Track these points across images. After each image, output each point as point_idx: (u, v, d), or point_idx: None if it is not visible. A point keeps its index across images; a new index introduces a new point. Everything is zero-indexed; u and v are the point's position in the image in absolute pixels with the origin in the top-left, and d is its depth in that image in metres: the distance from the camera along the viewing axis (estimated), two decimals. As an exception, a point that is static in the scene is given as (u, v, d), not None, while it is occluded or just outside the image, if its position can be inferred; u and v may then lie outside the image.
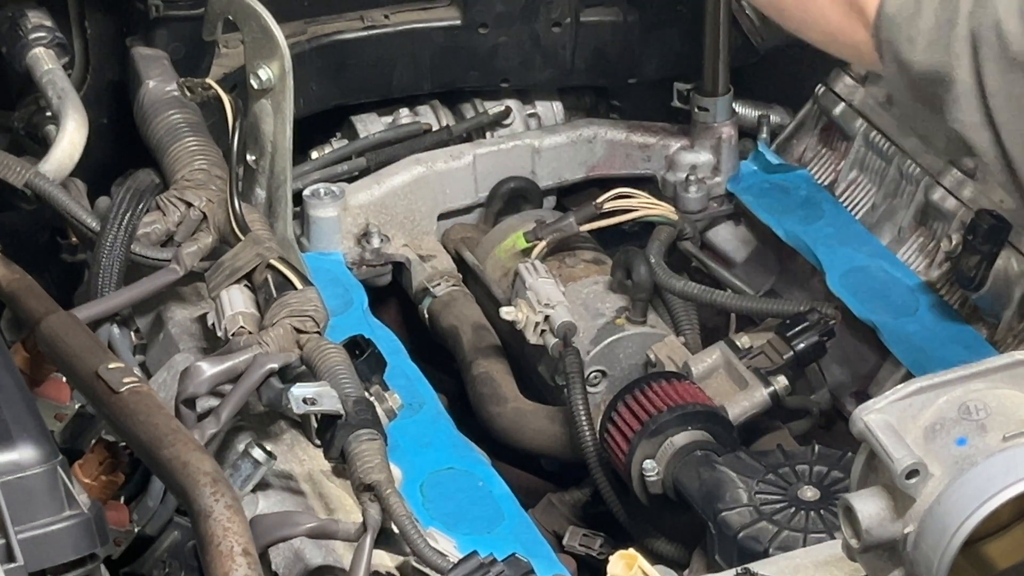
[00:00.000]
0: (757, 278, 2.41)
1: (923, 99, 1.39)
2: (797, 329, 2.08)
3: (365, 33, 2.45)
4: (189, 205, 1.95)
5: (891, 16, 1.42)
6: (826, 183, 2.44)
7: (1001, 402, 1.32)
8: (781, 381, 2.05)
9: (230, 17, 2.06)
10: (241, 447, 1.72)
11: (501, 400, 2.18)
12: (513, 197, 2.45)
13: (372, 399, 1.72)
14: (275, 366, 1.73)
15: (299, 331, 1.78)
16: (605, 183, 2.45)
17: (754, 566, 1.54)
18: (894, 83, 1.44)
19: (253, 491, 1.71)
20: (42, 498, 1.38)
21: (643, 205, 2.31)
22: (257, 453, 1.68)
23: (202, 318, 1.96)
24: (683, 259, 2.35)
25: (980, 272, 2.12)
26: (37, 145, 2.15)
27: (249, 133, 2.04)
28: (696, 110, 2.46)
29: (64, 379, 1.81)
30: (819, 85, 2.46)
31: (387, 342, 2.06)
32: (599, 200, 2.30)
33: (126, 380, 1.63)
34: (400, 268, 2.36)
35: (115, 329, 1.92)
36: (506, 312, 2.12)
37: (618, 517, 2.04)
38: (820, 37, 1.61)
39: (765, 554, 1.76)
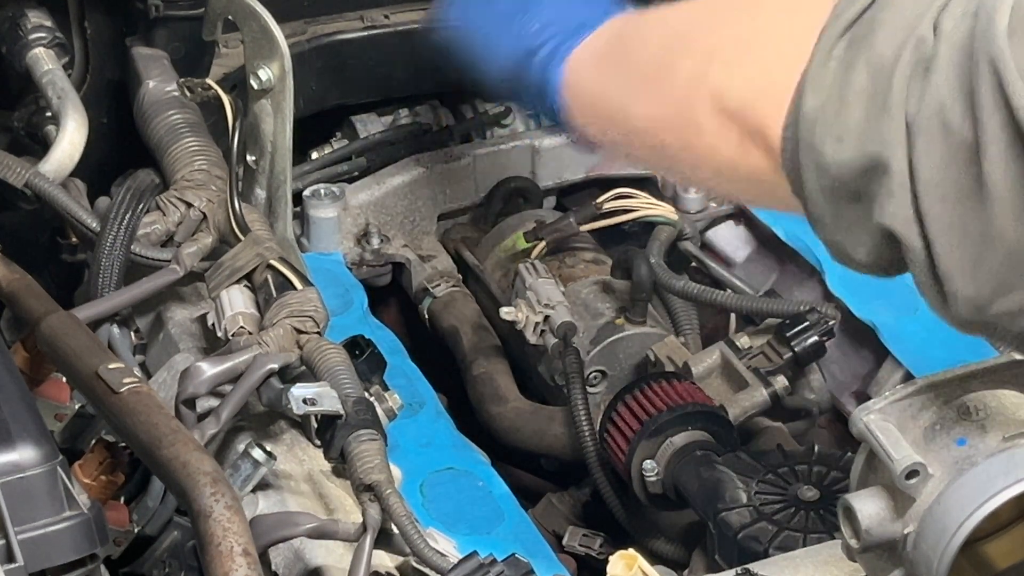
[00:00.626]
0: (757, 278, 2.40)
1: (848, 199, 1.27)
2: (797, 329, 2.08)
3: (365, 33, 2.44)
4: (189, 205, 1.95)
5: (811, 116, 1.29)
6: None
7: (1001, 402, 1.32)
8: (781, 381, 2.05)
9: (230, 17, 2.06)
10: (241, 447, 1.72)
11: (501, 400, 2.18)
12: (513, 197, 2.44)
13: (372, 399, 1.72)
14: (275, 366, 1.73)
15: (299, 331, 1.78)
16: (605, 183, 2.44)
17: (754, 566, 1.55)
18: (810, 193, 1.30)
19: (253, 491, 1.71)
20: (42, 498, 1.38)
21: (643, 205, 2.31)
22: (257, 453, 1.68)
23: (202, 318, 1.96)
24: (683, 259, 2.35)
25: (980, 272, 2.12)
26: (37, 145, 2.15)
27: (249, 133, 2.04)
28: (696, 110, 2.46)
29: (64, 379, 1.81)
30: (819, 85, 2.45)
31: (387, 342, 2.06)
32: (599, 200, 2.30)
33: (126, 380, 1.63)
34: (400, 268, 2.36)
35: (115, 329, 1.92)
36: (506, 312, 2.12)
37: (618, 517, 2.04)
38: (710, 176, 1.49)
39: (765, 554, 1.76)
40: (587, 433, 2.02)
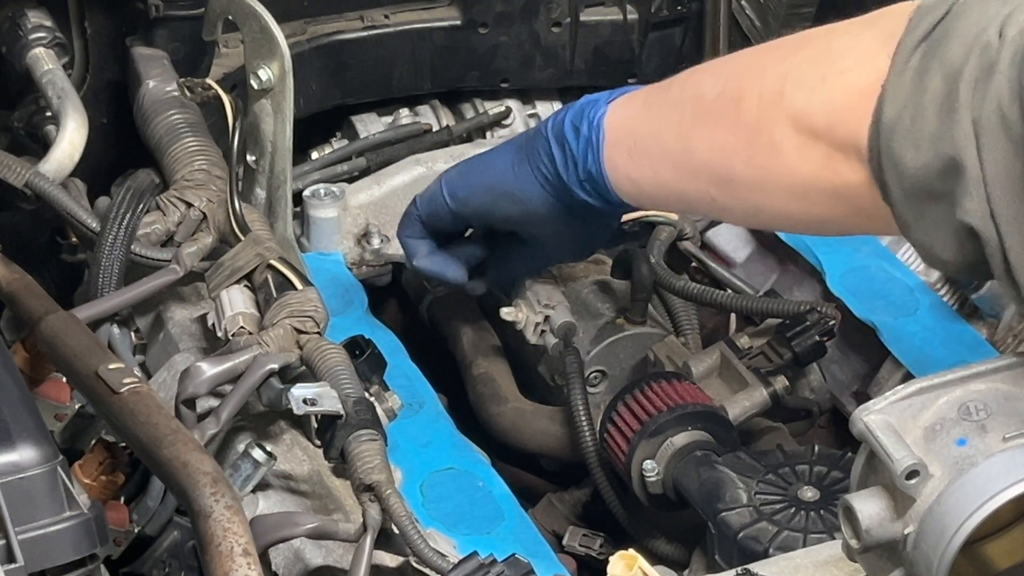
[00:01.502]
0: (757, 278, 2.40)
1: (930, 201, 1.33)
2: (797, 329, 2.08)
3: (365, 33, 2.44)
4: (189, 205, 1.95)
5: (890, 125, 1.36)
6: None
7: (1001, 402, 1.32)
8: (781, 381, 2.05)
9: (230, 17, 2.06)
10: (241, 447, 1.72)
11: (501, 400, 2.17)
12: (513, 197, 2.44)
13: (372, 399, 1.72)
14: (275, 366, 1.73)
15: (299, 331, 1.78)
16: (605, 183, 2.44)
17: (754, 566, 1.55)
18: (895, 199, 1.37)
19: (253, 491, 1.71)
20: (42, 499, 1.39)
21: (643, 205, 2.31)
22: (257, 453, 1.68)
23: (202, 318, 1.96)
24: (683, 259, 2.35)
25: (980, 272, 2.12)
26: (37, 145, 2.15)
27: (249, 133, 2.04)
28: (696, 110, 2.46)
29: (64, 379, 1.81)
30: (819, 85, 2.46)
31: (387, 342, 2.06)
32: (599, 200, 2.30)
33: (126, 380, 1.63)
34: (400, 268, 2.36)
35: (115, 329, 1.92)
36: (506, 312, 2.12)
37: (618, 517, 2.04)
38: (784, 199, 1.53)
39: (765, 554, 1.76)
40: (587, 433, 2.01)
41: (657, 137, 1.67)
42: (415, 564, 1.58)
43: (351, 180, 2.39)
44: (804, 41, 1.56)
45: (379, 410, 1.72)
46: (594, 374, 2.15)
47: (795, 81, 1.50)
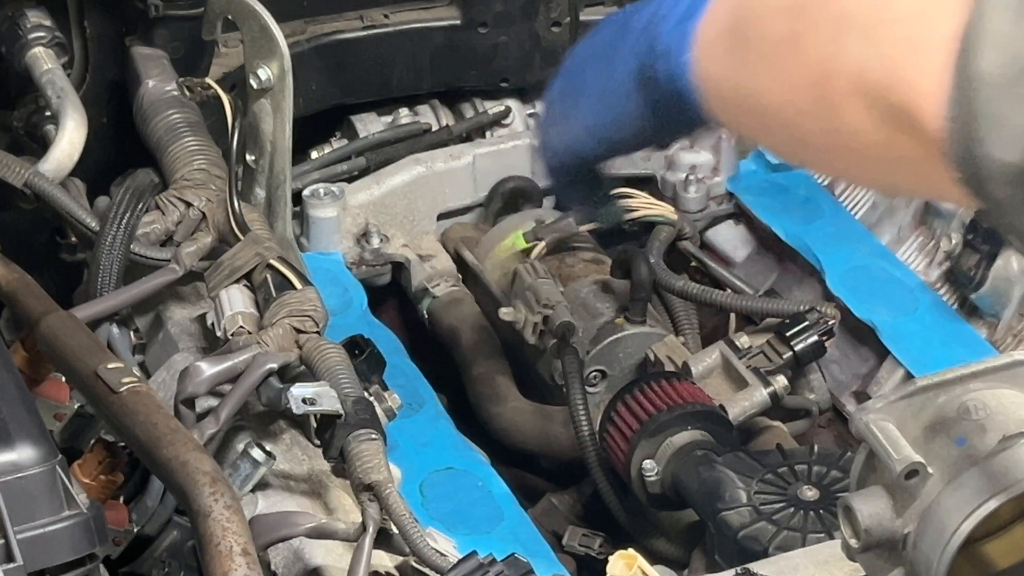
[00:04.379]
0: (757, 278, 2.40)
1: None
2: (797, 329, 2.08)
3: (365, 33, 2.44)
4: (188, 205, 1.95)
5: (992, 78, 1.07)
6: (826, 182, 2.44)
7: (1001, 402, 1.32)
8: (781, 381, 2.05)
9: (230, 17, 2.06)
10: (240, 447, 1.72)
11: (501, 400, 2.17)
12: (513, 197, 2.44)
13: (372, 399, 1.72)
14: (274, 366, 1.72)
15: (298, 331, 1.78)
16: (605, 183, 2.44)
17: (754, 566, 1.55)
18: (996, 175, 1.09)
19: (252, 491, 1.71)
20: (41, 498, 1.39)
21: (643, 205, 2.31)
22: (256, 453, 1.68)
23: (202, 318, 1.96)
24: (683, 259, 2.35)
25: (980, 271, 2.12)
26: (37, 145, 2.15)
27: (249, 133, 2.04)
28: (696, 110, 2.46)
29: (64, 379, 1.81)
30: (819, 84, 2.45)
31: (387, 342, 2.06)
32: (599, 200, 2.30)
33: (125, 380, 1.63)
34: (400, 268, 2.36)
35: (115, 329, 1.92)
36: (505, 313, 2.12)
37: (617, 517, 2.04)
38: (859, 165, 1.27)
39: (765, 554, 1.76)
40: (586, 433, 2.01)
41: (733, 81, 1.38)
42: (415, 563, 1.58)
43: (351, 180, 2.40)
44: None
45: (378, 410, 1.72)
46: (594, 374, 2.15)
47: (854, 28, 1.22)
